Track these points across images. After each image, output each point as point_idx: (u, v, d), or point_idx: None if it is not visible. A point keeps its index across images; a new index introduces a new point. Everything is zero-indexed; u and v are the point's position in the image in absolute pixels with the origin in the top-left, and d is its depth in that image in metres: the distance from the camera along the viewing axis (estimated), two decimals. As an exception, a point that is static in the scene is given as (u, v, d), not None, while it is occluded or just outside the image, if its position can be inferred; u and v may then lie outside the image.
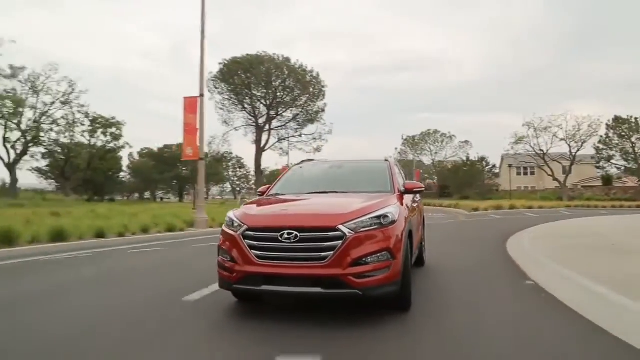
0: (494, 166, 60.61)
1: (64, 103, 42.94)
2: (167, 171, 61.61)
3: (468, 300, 4.95)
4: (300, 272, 3.88)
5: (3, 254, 8.56)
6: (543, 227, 13.16)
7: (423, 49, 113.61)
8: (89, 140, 49.86)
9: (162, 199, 72.34)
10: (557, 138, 48.77)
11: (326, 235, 3.86)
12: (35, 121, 39.33)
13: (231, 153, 66.03)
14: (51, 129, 44.30)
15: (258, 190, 5.86)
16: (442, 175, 65.29)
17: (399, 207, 4.46)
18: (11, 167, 39.01)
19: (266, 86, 47.96)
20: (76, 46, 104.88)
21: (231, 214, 4.47)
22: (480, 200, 40.19)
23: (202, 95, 17.46)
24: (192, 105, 17.63)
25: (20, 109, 36.24)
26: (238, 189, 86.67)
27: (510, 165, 52.07)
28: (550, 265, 5.96)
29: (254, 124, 49.42)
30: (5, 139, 37.73)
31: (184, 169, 59.45)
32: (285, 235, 3.88)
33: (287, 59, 47.75)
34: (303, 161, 6.62)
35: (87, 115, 47.69)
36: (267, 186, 5.82)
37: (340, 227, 3.86)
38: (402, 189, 5.27)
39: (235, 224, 4.25)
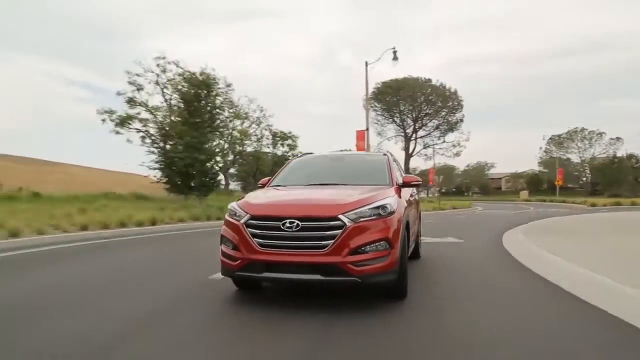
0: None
1: (257, 124, 56.62)
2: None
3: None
4: (301, 260, 3.99)
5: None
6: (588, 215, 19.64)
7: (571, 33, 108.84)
8: (272, 151, 63.81)
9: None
10: None
11: (327, 225, 3.99)
12: (240, 139, 53.08)
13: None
14: (246, 144, 58.55)
15: (259, 183, 5.93)
16: (593, 173, 66.15)
17: (397, 199, 4.63)
18: (225, 173, 53.62)
19: (412, 102, 56.67)
20: (240, 59, 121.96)
21: (234, 204, 4.58)
22: (633, 197, 42.71)
23: (367, 129, 26.84)
24: (361, 135, 27.11)
25: (243, 137, 50.13)
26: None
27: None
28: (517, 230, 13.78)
29: (403, 134, 58.65)
30: (223, 152, 52.28)
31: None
32: (287, 224, 4.00)
33: (429, 80, 56.23)
34: (303, 154, 6.71)
35: (270, 131, 61.49)
36: (268, 178, 5.93)
37: (341, 216, 3.99)
38: (400, 182, 5.45)
39: (238, 214, 4.36)
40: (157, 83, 35.65)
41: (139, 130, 36.41)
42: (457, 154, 57.77)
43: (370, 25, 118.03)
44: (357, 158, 6.93)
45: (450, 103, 56.37)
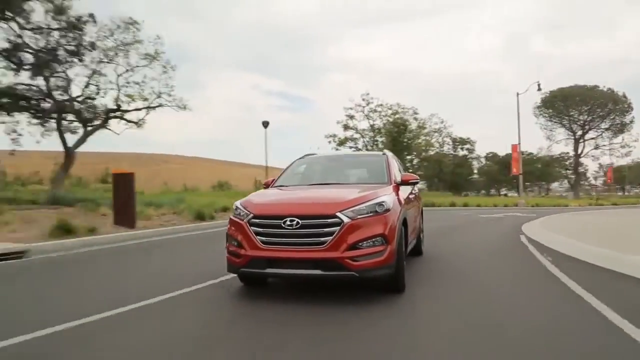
0: None
1: (438, 133, 67.94)
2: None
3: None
4: (302, 256, 4.26)
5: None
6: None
7: None
8: (453, 154, 74.37)
9: (506, 194, 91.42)
10: None
11: (325, 222, 4.24)
12: (424, 147, 65.01)
13: (567, 153, 79.84)
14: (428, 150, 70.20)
15: (263, 183, 6.25)
16: None
17: (394, 196, 4.88)
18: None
19: (579, 107, 61.88)
20: (424, 58, 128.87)
21: (238, 204, 4.88)
22: None
23: (519, 143, 36.68)
24: (515, 149, 37.13)
25: (427, 147, 62.68)
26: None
27: None
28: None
29: (572, 137, 63.91)
30: (410, 161, 64.97)
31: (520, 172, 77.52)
32: (288, 222, 4.25)
33: (595, 86, 60.86)
34: (305, 155, 6.86)
35: (450, 137, 72.17)
36: (272, 179, 6.16)
37: (338, 214, 4.24)
38: (399, 180, 5.70)
39: (242, 213, 4.63)
40: (363, 112, 51.20)
41: (351, 147, 52.45)
42: (627, 154, 61.83)
43: (557, 5, 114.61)
44: (357, 158, 7.13)
45: (620, 106, 59.98)
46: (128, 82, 19.61)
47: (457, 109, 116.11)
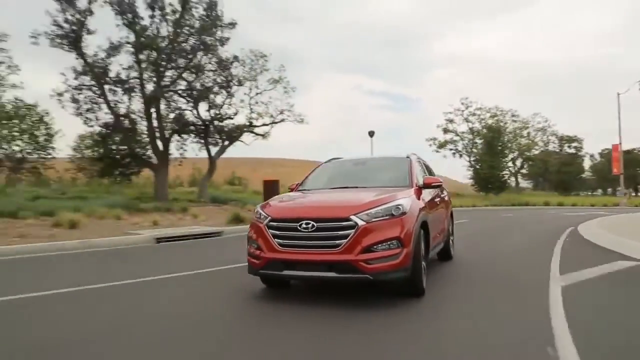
0: None
1: (542, 132, 66.94)
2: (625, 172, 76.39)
3: None
4: (317, 258, 4.36)
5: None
6: None
7: None
8: (559, 151, 72.45)
9: (625, 194, 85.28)
10: None
11: (339, 225, 4.33)
12: (526, 146, 64.38)
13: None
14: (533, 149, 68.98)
15: (289, 187, 6.39)
16: None
17: (412, 199, 4.89)
18: (515, 175, 65.95)
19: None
20: (533, 48, 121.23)
21: (258, 208, 5.07)
22: None
23: (620, 143, 36.75)
24: (616, 148, 37.24)
25: (530, 147, 62.50)
26: None
27: None
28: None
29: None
30: (512, 160, 64.62)
31: (638, 169, 72.84)
32: (304, 225, 4.38)
33: None
34: (330, 159, 7.03)
35: (556, 136, 70.45)
36: (297, 183, 6.38)
37: (353, 217, 4.33)
38: (421, 183, 5.71)
39: (262, 216, 4.79)
40: (462, 115, 53.35)
41: (451, 149, 54.63)
42: None
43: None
44: (380, 161, 7.10)
45: None
46: (257, 102, 24.85)
47: (571, 100, 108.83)
